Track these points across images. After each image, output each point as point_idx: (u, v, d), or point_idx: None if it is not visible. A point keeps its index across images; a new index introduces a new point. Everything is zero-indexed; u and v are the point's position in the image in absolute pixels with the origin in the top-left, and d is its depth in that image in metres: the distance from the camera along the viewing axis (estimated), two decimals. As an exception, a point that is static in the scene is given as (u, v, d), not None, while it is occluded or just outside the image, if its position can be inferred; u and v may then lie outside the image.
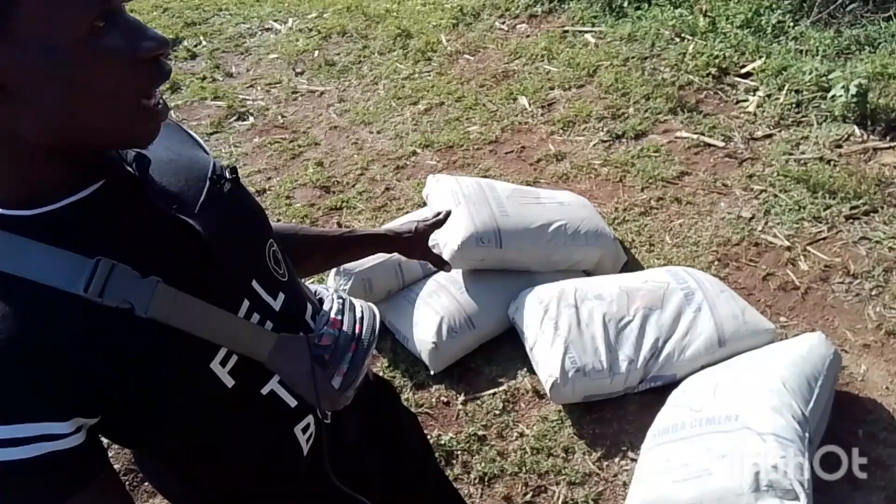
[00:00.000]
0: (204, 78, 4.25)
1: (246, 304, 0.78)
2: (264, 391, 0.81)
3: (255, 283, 0.80)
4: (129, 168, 0.70)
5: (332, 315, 0.90)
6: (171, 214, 0.71)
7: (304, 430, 0.88)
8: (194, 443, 0.78)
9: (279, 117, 3.79)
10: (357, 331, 0.90)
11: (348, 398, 0.89)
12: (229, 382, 0.76)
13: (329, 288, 0.99)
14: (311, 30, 4.61)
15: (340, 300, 0.94)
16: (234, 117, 3.83)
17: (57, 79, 0.60)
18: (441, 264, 1.31)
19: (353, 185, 3.16)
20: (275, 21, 4.82)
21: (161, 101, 0.68)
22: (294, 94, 3.97)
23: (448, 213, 1.32)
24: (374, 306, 0.98)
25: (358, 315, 0.93)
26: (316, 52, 4.32)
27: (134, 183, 0.70)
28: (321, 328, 0.88)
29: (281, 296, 0.84)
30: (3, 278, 0.63)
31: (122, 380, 0.67)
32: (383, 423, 1.11)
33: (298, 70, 4.20)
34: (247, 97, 4.00)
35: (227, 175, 0.81)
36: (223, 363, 0.75)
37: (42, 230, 0.64)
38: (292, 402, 0.85)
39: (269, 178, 3.30)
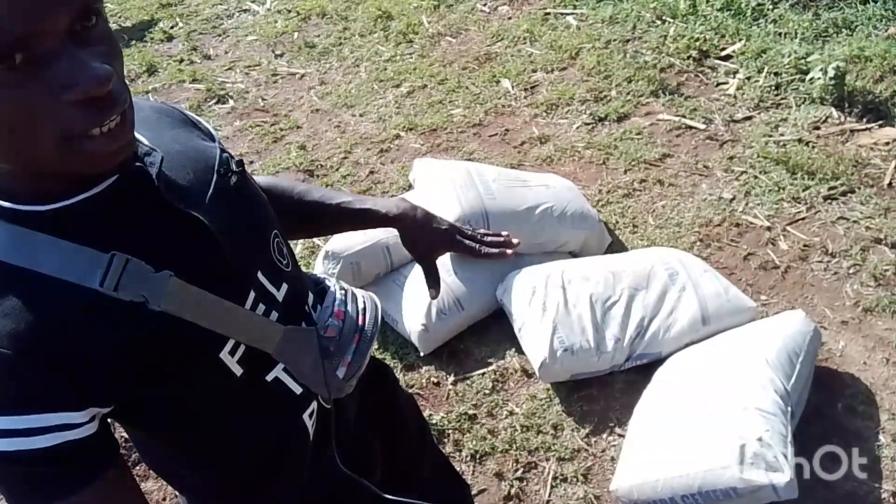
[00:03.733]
0: (181, 60, 4.19)
1: (252, 295, 0.79)
2: (269, 378, 0.83)
3: (260, 275, 0.81)
4: (139, 164, 0.71)
5: (336, 307, 0.92)
6: (181, 208, 0.72)
7: (310, 415, 0.89)
8: (205, 431, 0.80)
9: (259, 100, 3.75)
10: (360, 322, 0.92)
11: (351, 387, 0.91)
12: (238, 371, 0.77)
13: (331, 278, 1.00)
14: (289, 11, 4.55)
15: (343, 291, 0.96)
16: (214, 100, 3.79)
17: None
18: (431, 283, 1.12)
19: (337, 169, 3.15)
20: (252, 2, 4.75)
21: (108, 128, 0.60)
22: (274, 77, 3.94)
23: (493, 253, 1.12)
24: (375, 297, 0.99)
25: (360, 306, 0.95)
26: (295, 34, 4.28)
27: (145, 178, 0.70)
28: (326, 320, 0.90)
29: (284, 286, 0.85)
30: (17, 272, 0.64)
31: (135, 371, 0.68)
32: (382, 405, 1.13)
33: (278, 52, 4.15)
34: (226, 80, 3.96)
35: (234, 167, 0.82)
36: (232, 353, 0.76)
37: (56, 225, 0.65)
38: (297, 389, 0.86)
39: (252, 162, 3.27)
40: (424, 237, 1.09)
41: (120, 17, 4.76)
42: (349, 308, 0.92)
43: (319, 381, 0.86)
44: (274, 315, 0.82)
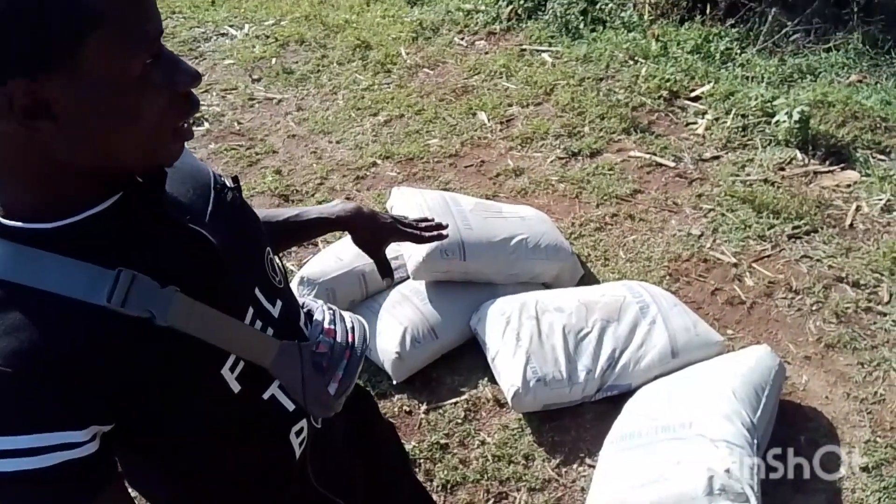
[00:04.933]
0: (158, 82, 4.18)
1: (251, 311, 0.80)
2: (265, 396, 0.84)
3: (257, 291, 0.82)
4: (140, 180, 0.72)
5: (326, 325, 0.94)
6: (185, 224, 0.73)
7: (298, 433, 0.90)
8: (200, 448, 0.80)
9: (235, 124, 3.75)
10: (350, 340, 0.94)
11: (340, 405, 0.92)
12: (236, 388, 0.78)
13: (317, 301, 1.01)
14: (268, 37, 4.58)
15: (331, 311, 0.98)
16: (189, 122, 3.78)
17: (108, 112, 0.63)
18: (384, 272, 1.21)
19: (313, 195, 3.15)
20: (230, 27, 4.78)
21: (189, 123, 0.71)
22: (251, 101, 3.95)
23: (432, 236, 1.22)
24: (362, 318, 1.01)
25: (348, 325, 0.97)
26: (273, 60, 4.30)
27: (148, 194, 0.71)
28: (317, 336, 0.91)
29: (279, 303, 0.86)
30: (21, 290, 0.63)
31: (140, 387, 0.68)
32: (364, 430, 1.14)
33: (255, 77, 4.17)
34: (202, 102, 3.94)
35: (230, 184, 0.83)
36: (232, 369, 0.77)
37: (61, 242, 0.65)
38: (291, 407, 0.87)
39: (227, 185, 3.26)
40: (376, 233, 1.17)
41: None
42: (338, 327, 0.94)
43: (311, 397, 0.87)
44: (269, 331, 0.83)
